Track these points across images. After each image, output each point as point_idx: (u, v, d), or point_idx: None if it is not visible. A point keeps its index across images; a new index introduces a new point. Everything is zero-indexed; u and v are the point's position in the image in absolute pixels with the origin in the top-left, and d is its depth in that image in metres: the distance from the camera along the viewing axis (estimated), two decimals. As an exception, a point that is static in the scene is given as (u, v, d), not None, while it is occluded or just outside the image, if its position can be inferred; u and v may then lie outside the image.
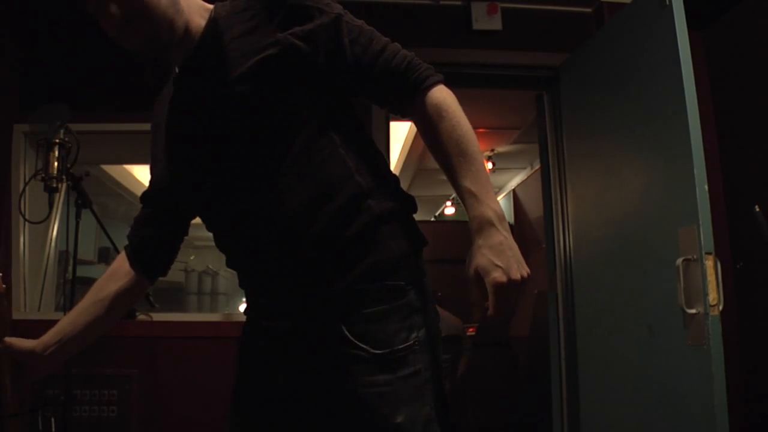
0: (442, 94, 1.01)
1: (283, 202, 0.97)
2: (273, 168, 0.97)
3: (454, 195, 6.19)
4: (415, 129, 4.84)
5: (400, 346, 0.95)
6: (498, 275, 0.90)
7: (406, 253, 1.02)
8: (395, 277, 0.99)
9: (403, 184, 4.39)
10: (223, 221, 1.08)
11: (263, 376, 1.05)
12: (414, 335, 0.97)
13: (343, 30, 1.01)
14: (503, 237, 0.92)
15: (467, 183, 0.96)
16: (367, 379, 0.94)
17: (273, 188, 0.97)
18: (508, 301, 0.91)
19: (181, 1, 1.03)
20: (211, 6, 1.07)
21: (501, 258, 0.91)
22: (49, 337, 1.18)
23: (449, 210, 6.43)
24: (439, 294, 4.23)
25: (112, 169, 4.61)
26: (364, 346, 0.94)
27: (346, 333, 0.95)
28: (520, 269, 0.91)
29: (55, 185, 2.18)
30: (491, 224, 0.93)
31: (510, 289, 0.90)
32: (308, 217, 0.96)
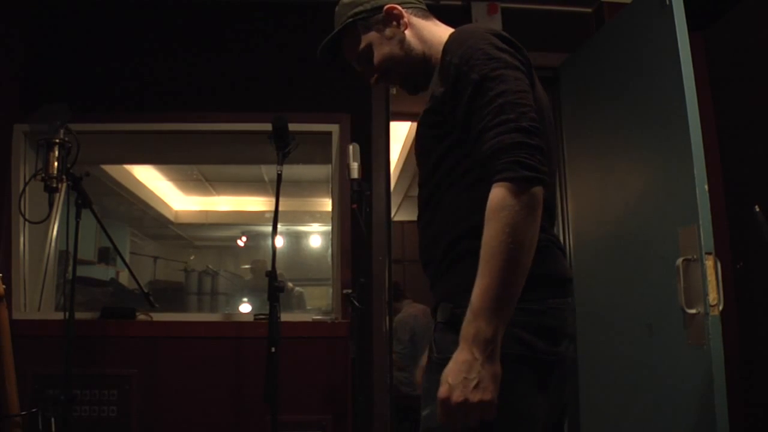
0: (497, 197, 0.97)
1: (426, 232, 1.20)
2: (424, 201, 1.21)
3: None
4: (414, 130, 4.82)
5: (448, 355, 1.00)
6: (442, 390, 0.95)
7: None
8: (459, 302, 1.05)
9: (403, 184, 4.40)
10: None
11: None
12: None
13: (469, 97, 1.06)
14: (471, 358, 0.94)
15: (474, 293, 0.97)
16: (428, 375, 1.11)
17: (424, 216, 1.21)
18: (450, 417, 0.95)
19: (423, 39, 1.28)
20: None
21: (455, 376, 0.94)
22: None
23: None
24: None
25: (112, 169, 4.61)
26: (434, 348, 1.12)
27: (433, 337, 1.15)
28: (469, 394, 0.93)
29: (55, 185, 2.18)
30: (466, 341, 0.95)
31: (448, 407, 0.94)
32: (433, 247, 1.17)
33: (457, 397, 0.93)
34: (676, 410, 1.98)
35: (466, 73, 1.06)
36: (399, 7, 1.27)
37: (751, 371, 2.51)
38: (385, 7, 1.27)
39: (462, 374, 0.94)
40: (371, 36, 1.29)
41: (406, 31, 1.28)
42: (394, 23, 1.28)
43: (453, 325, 1.06)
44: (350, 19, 1.30)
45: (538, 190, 0.97)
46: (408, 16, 1.29)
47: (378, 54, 1.29)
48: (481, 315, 0.95)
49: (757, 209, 1.94)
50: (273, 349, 2.07)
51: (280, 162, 2.25)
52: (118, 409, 2.53)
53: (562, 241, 2.86)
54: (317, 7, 2.97)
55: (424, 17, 1.32)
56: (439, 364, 1.05)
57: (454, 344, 1.00)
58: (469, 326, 0.95)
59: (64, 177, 2.20)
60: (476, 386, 0.93)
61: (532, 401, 1.03)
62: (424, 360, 1.17)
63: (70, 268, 2.20)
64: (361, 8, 1.29)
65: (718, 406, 1.76)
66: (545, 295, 1.06)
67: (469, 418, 0.94)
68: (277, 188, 2.24)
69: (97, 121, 2.79)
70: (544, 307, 1.06)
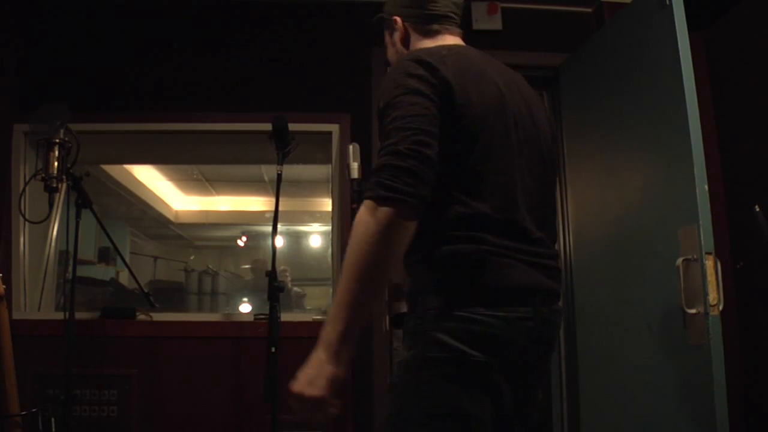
0: (359, 214, 1.09)
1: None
2: None
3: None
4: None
5: (397, 360, 1.19)
6: (292, 382, 1.09)
7: (420, 290, 1.22)
8: (409, 307, 1.25)
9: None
10: None
11: None
12: (404, 354, 1.20)
13: (378, 124, 1.20)
14: (317, 357, 1.07)
15: (333, 300, 1.12)
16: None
17: None
18: (293, 406, 1.09)
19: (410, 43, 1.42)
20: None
21: (302, 371, 1.08)
22: None
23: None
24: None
25: (112, 169, 4.61)
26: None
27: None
28: (304, 389, 1.06)
29: (55, 185, 2.18)
30: (318, 342, 1.08)
31: (293, 396, 1.08)
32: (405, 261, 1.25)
33: (296, 389, 1.07)
34: (676, 410, 1.98)
35: (378, 101, 1.20)
36: (398, 20, 1.42)
37: (751, 371, 2.51)
38: (393, 16, 1.43)
39: (306, 370, 1.07)
40: (386, 35, 1.49)
41: (398, 42, 1.43)
42: (395, 32, 1.44)
43: (406, 333, 1.23)
44: (380, 15, 1.48)
45: (394, 209, 1.05)
46: (405, 29, 1.42)
47: (387, 52, 1.51)
48: (330, 320, 1.07)
49: (757, 209, 1.94)
50: (273, 349, 2.08)
51: (280, 162, 2.26)
52: (118, 409, 2.53)
53: (562, 240, 2.86)
54: (318, 7, 2.97)
55: (424, 34, 1.40)
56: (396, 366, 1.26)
57: (402, 350, 1.21)
58: (323, 329, 1.08)
59: (64, 177, 2.20)
60: (311, 383, 1.06)
61: (461, 398, 1.12)
62: None
63: (70, 268, 2.20)
64: (385, 10, 1.47)
65: (718, 406, 1.76)
66: (474, 304, 1.13)
67: (307, 410, 1.07)
68: (277, 188, 2.24)
69: (97, 121, 2.79)
70: (473, 316, 1.12)
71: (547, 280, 1.23)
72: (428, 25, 1.40)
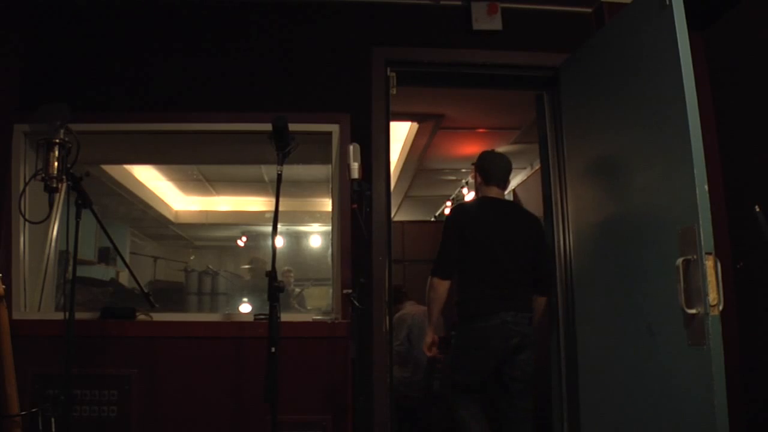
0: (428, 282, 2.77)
1: None
2: None
3: (453, 195, 6.21)
4: (414, 130, 4.84)
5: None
6: None
7: (457, 315, 2.76)
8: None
9: (403, 185, 4.57)
10: None
11: None
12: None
13: None
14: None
15: None
16: None
17: None
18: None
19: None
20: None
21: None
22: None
23: (449, 210, 6.43)
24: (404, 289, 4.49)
25: (112, 169, 4.61)
26: None
27: None
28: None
29: (55, 185, 2.17)
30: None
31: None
32: None
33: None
34: (675, 410, 1.98)
35: None
36: (476, 172, 2.94)
37: (751, 371, 2.51)
38: (476, 169, 2.94)
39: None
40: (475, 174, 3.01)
41: (476, 184, 2.95)
42: (477, 177, 2.95)
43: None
44: (476, 164, 2.98)
45: (431, 278, 2.73)
46: (476, 180, 2.95)
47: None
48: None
49: (757, 209, 1.95)
50: (273, 349, 2.08)
51: (280, 162, 2.25)
52: (118, 409, 2.53)
53: (562, 240, 2.89)
54: (318, 7, 2.97)
55: (485, 183, 2.90)
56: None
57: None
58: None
59: (64, 177, 2.20)
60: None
61: (468, 360, 2.69)
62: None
63: (70, 268, 2.20)
64: (476, 163, 2.94)
65: (718, 406, 1.76)
66: (468, 323, 2.68)
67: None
68: (277, 188, 2.24)
69: (97, 121, 2.79)
70: (471, 326, 2.68)
71: (512, 305, 2.64)
72: (486, 181, 2.88)
